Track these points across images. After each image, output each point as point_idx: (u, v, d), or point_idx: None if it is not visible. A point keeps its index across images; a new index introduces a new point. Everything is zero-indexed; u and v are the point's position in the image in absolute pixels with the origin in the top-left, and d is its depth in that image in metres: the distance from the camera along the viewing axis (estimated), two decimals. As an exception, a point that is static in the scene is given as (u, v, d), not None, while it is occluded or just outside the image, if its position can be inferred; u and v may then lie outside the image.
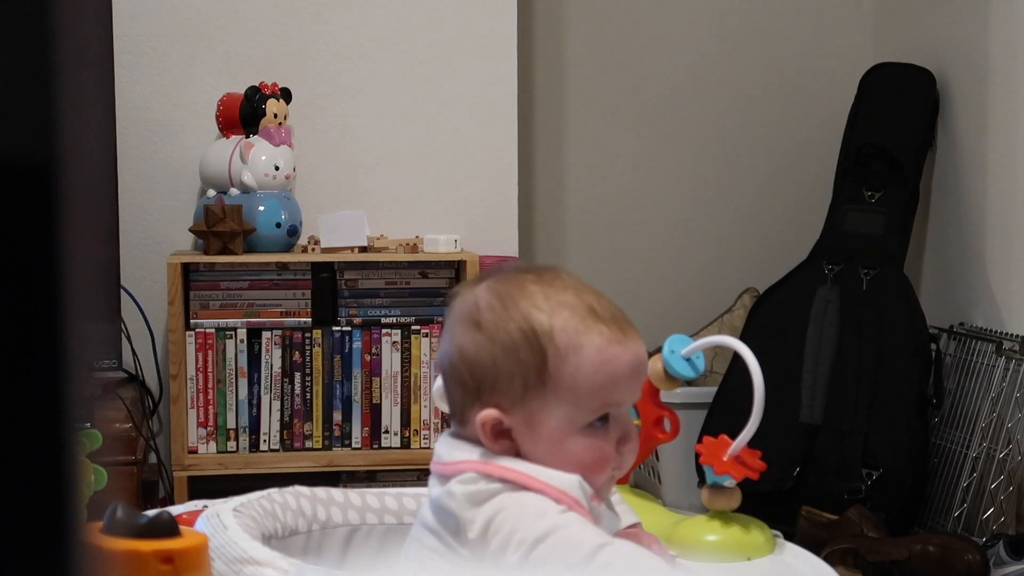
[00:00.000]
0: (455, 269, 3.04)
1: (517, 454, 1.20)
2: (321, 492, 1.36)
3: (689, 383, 1.92)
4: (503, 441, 1.20)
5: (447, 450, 1.22)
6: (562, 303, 1.20)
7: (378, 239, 3.03)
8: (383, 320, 3.00)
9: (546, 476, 1.17)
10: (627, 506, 1.38)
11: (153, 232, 3.12)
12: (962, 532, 2.82)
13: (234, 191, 2.98)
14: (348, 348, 2.98)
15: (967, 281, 3.17)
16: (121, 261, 2.98)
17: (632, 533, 1.35)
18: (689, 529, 1.66)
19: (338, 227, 2.99)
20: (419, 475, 2.86)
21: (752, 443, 1.64)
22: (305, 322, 2.98)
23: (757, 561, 1.62)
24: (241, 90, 3.02)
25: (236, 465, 2.93)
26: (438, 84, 3.21)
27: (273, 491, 1.33)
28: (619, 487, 1.72)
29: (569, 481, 1.17)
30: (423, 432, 2.99)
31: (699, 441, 1.69)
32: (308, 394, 2.97)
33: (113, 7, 2.95)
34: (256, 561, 1.16)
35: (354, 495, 1.40)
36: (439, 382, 1.28)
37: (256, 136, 3.00)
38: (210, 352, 2.93)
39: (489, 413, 1.19)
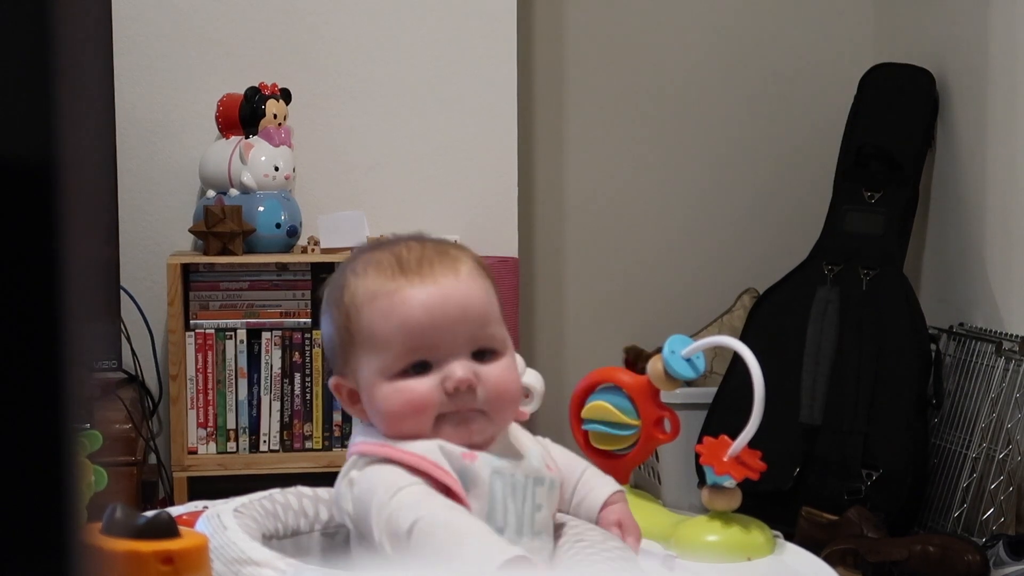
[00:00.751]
0: (455, 269, 3.04)
1: None
2: (323, 492, 1.36)
3: (689, 383, 1.92)
4: (358, 405, 1.26)
5: (351, 439, 1.27)
6: (375, 262, 1.24)
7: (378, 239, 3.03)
8: (383, 320, 3.00)
9: (405, 445, 1.20)
10: (607, 477, 1.39)
11: (153, 233, 3.12)
12: (962, 532, 2.82)
13: (234, 192, 2.98)
14: (348, 348, 2.98)
15: (967, 281, 3.17)
16: (121, 262, 2.98)
17: (611, 507, 1.35)
18: (689, 529, 1.66)
19: (338, 227, 2.99)
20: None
21: (752, 443, 1.64)
22: (305, 323, 2.98)
23: (757, 561, 1.62)
24: (241, 91, 3.02)
25: (236, 466, 2.93)
26: (438, 84, 3.21)
27: (275, 491, 1.33)
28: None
29: (426, 447, 1.19)
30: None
31: (699, 441, 1.69)
32: (308, 395, 2.97)
33: (112, 8, 2.95)
34: (254, 562, 1.16)
35: None
36: None
37: (256, 137, 3.00)
38: (210, 353, 2.93)
39: (331, 380, 1.28)
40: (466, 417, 1.21)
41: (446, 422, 1.21)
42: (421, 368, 1.21)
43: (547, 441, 1.35)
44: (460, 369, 1.20)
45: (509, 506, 1.22)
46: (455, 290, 1.22)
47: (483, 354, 1.23)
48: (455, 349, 1.21)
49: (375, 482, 1.19)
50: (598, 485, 1.37)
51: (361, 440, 1.24)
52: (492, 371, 1.22)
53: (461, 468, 1.19)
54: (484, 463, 1.21)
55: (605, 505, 1.35)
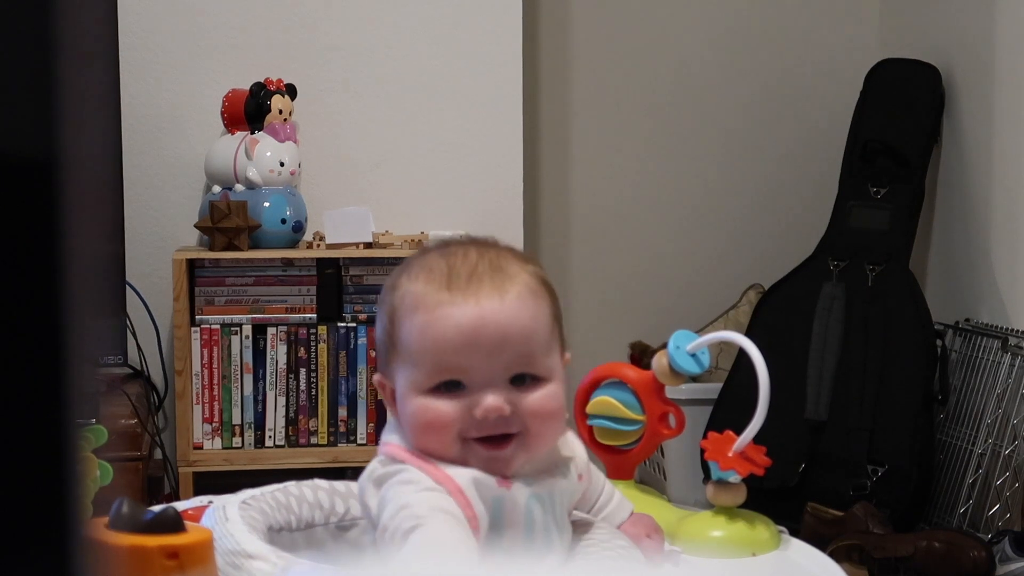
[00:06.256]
0: (460, 265, 3.04)
1: None
2: (340, 485, 1.37)
3: (694, 379, 1.92)
4: (396, 406, 1.23)
5: (384, 433, 1.25)
6: (428, 269, 1.20)
7: (383, 235, 3.03)
8: (388, 316, 3.00)
9: (443, 467, 1.17)
10: (620, 495, 1.40)
11: (158, 228, 3.12)
12: (967, 528, 2.82)
13: (239, 187, 2.98)
14: (353, 344, 2.98)
15: (973, 277, 3.17)
16: (126, 257, 2.98)
17: (633, 522, 1.37)
18: (694, 525, 1.66)
19: (343, 223, 3.00)
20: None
21: (757, 439, 1.64)
22: (310, 318, 2.98)
23: (762, 557, 1.62)
24: (246, 86, 3.02)
25: (241, 461, 2.93)
26: (443, 80, 3.21)
27: (290, 484, 1.33)
28: (624, 483, 1.72)
29: (462, 475, 1.16)
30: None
31: (704, 437, 1.69)
32: (313, 390, 2.98)
33: (118, 3, 2.95)
34: (248, 554, 1.16)
35: None
36: None
37: (261, 132, 3.00)
38: (215, 348, 2.94)
39: (375, 377, 1.25)
40: (497, 455, 1.18)
41: (473, 451, 1.18)
42: (452, 387, 1.18)
43: (578, 444, 1.32)
44: (492, 397, 1.17)
45: (552, 532, 1.21)
46: (496, 314, 1.16)
47: (523, 379, 1.19)
48: (490, 374, 1.17)
49: (403, 480, 1.17)
50: (617, 500, 1.38)
51: (395, 443, 1.21)
52: (531, 399, 1.18)
53: (496, 498, 1.17)
54: (520, 490, 1.19)
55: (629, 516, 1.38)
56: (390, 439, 1.22)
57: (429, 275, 1.19)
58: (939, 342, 3.04)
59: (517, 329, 1.17)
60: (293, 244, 3.02)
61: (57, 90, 0.40)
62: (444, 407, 1.17)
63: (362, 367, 2.98)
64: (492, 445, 1.18)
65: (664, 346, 1.67)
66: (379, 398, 2.98)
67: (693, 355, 1.64)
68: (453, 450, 1.17)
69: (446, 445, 1.17)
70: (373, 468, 1.21)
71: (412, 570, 1.10)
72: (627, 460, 1.74)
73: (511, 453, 1.18)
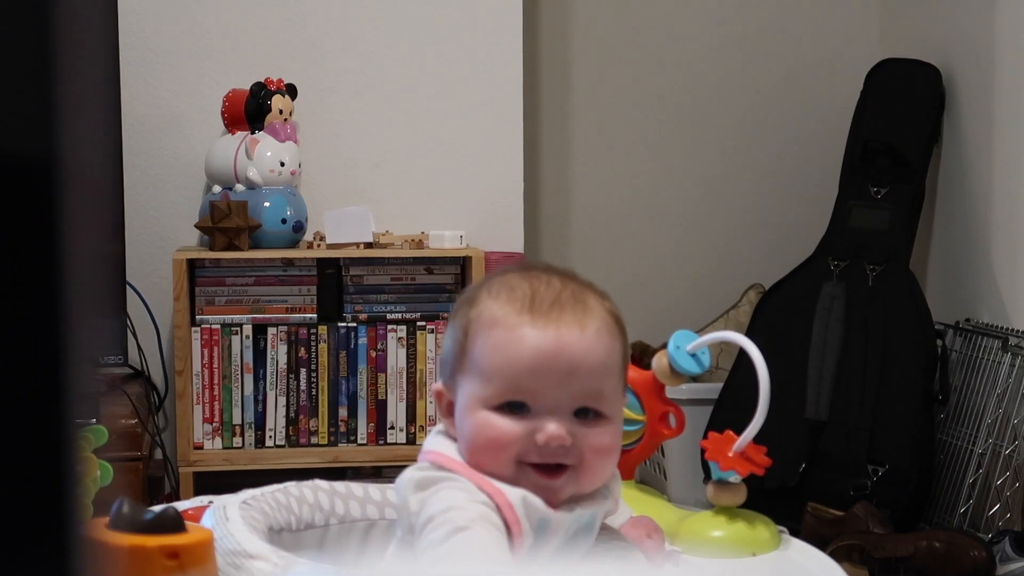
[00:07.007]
0: (460, 265, 3.04)
1: None
2: (340, 486, 1.37)
3: (694, 379, 1.92)
4: (451, 418, 1.23)
5: (427, 441, 1.25)
6: (510, 288, 1.21)
7: (383, 235, 3.03)
8: (388, 316, 3.00)
9: (493, 481, 1.17)
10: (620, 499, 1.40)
11: (159, 228, 3.12)
12: (968, 528, 2.82)
13: (239, 187, 2.98)
14: (354, 344, 2.98)
15: (973, 277, 3.17)
16: (127, 257, 2.98)
17: (633, 523, 1.37)
18: (695, 525, 1.66)
19: (344, 223, 3.00)
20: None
21: (758, 439, 1.64)
22: (311, 318, 2.98)
23: (762, 557, 1.62)
24: (247, 86, 3.02)
25: (242, 461, 2.93)
26: (443, 80, 3.21)
27: (291, 484, 1.34)
28: (625, 483, 1.72)
29: (512, 492, 1.17)
30: (428, 428, 2.99)
31: (705, 437, 1.69)
32: (314, 390, 2.98)
33: (118, 3, 2.95)
34: (249, 554, 1.17)
35: (374, 490, 1.40)
36: None
37: (261, 132, 3.00)
38: (216, 348, 2.94)
39: (435, 386, 1.25)
40: (548, 484, 1.18)
41: (526, 475, 1.18)
42: (517, 408, 1.18)
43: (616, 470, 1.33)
44: (555, 425, 1.17)
45: (581, 544, 1.22)
46: (574, 344, 1.18)
47: (587, 412, 1.19)
48: (557, 402, 1.18)
49: (456, 487, 1.17)
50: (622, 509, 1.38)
51: (442, 453, 1.21)
52: (591, 434, 1.19)
53: (542, 519, 1.17)
54: (566, 514, 1.19)
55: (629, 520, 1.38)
56: (435, 448, 1.22)
57: (511, 294, 1.20)
58: (939, 342, 3.04)
59: (591, 363, 1.18)
60: (293, 244, 3.02)
61: (57, 90, 0.40)
62: (507, 426, 1.18)
63: (362, 367, 2.98)
64: (546, 473, 1.18)
65: (664, 346, 1.67)
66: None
67: (693, 355, 1.65)
68: (507, 470, 1.18)
69: (501, 464, 1.18)
70: (415, 471, 1.20)
71: (413, 571, 1.10)
72: (628, 460, 1.74)
73: (562, 484, 1.19)
